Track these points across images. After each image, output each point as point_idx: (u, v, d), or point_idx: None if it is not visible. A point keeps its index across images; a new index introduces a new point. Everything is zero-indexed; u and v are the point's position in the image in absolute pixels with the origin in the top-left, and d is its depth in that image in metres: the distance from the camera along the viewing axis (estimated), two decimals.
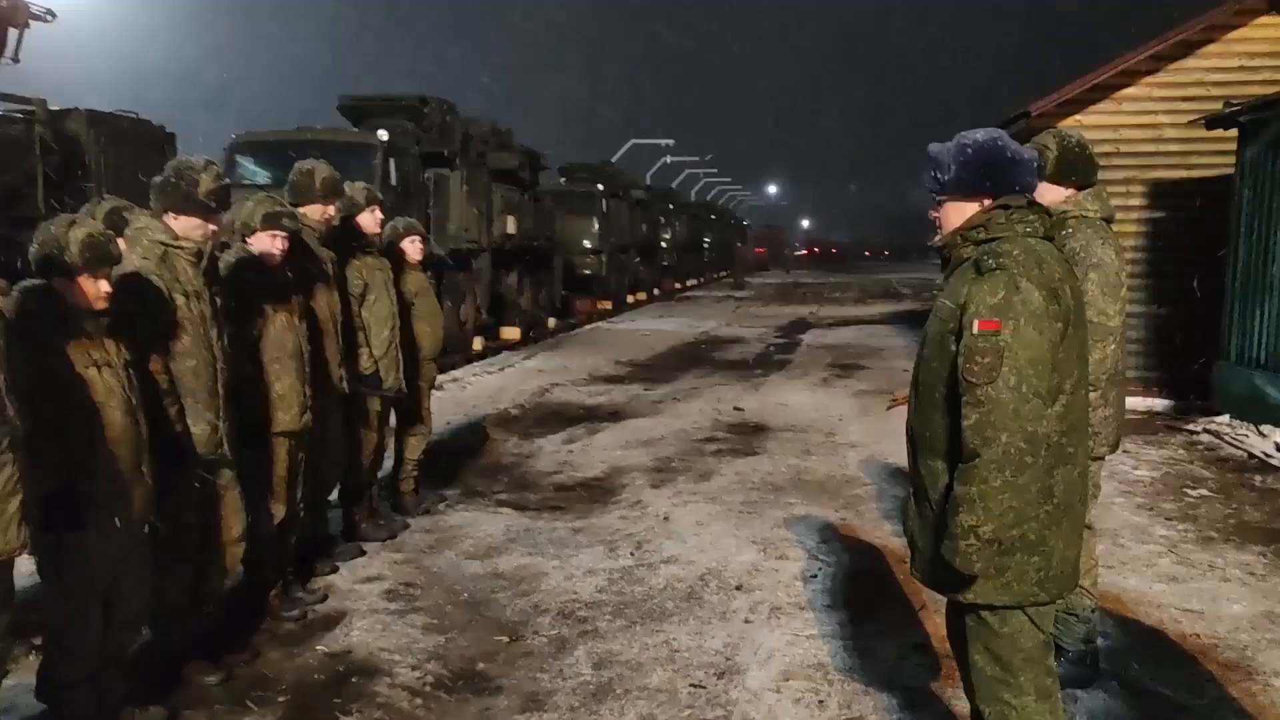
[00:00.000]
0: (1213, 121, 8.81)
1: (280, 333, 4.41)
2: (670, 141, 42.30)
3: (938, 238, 2.68)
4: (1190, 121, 9.26)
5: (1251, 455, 7.49)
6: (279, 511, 4.50)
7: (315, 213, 4.93)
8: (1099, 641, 3.89)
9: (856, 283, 40.46)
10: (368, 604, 4.73)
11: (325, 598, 4.79)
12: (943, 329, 2.52)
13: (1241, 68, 9.87)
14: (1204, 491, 6.57)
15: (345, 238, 5.45)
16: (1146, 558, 5.21)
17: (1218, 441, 8.01)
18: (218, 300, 3.88)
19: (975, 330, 2.37)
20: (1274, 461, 7.25)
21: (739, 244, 42.27)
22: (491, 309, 16.46)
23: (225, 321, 3.97)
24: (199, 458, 3.77)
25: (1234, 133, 8.86)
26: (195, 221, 3.71)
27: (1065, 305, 2.47)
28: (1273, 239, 8.22)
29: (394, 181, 12.70)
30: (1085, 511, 2.67)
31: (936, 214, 2.67)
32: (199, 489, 3.83)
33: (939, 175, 2.59)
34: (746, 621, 4.48)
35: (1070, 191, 3.70)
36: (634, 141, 39.98)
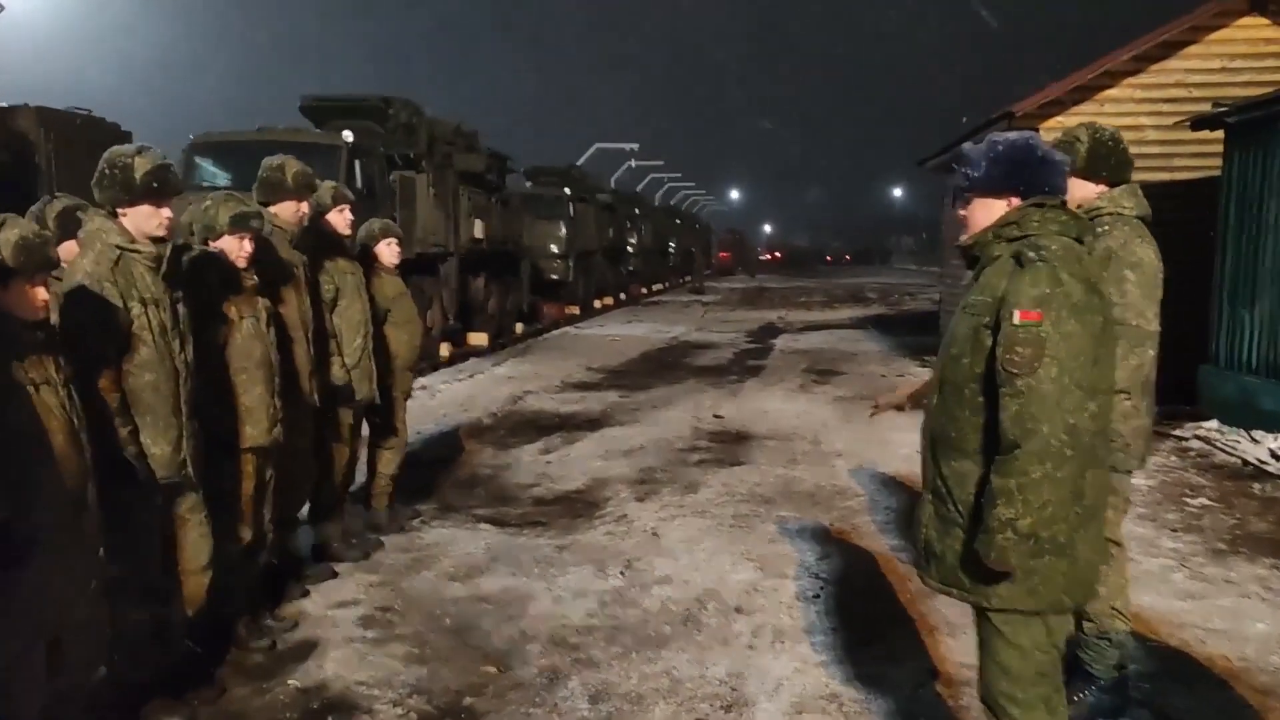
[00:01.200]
0: (1199, 122, 8.71)
1: (247, 341, 4.08)
2: (635, 146, 41.99)
3: (965, 236, 2.63)
4: (1176, 123, 9.15)
5: (1246, 462, 7.35)
6: (246, 534, 4.17)
7: (288, 211, 4.61)
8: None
9: (821, 287, 40.45)
10: (342, 632, 4.40)
11: (296, 625, 4.46)
12: (976, 324, 2.47)
13: (1223, 69, 9.82)
14: (1204, 500, 6.40)
15: (315, 239, 5.13)
16: (1159, 573, 5.00)
17: (1209, 448, 7.86)
18: (179, 307, 3.55)
19: (1016, 321, 2.35)
20: (1270, 469, 7.11)
21: (693, 249, 41.80)
22: (459, 314, 16.13)
23: (189, 330, 3.65)
24: (159, 481, 3.44)
25: (1219, 134, 8.74)
26: (146, 209, 3.37)
27: (1103, 300, 2.45)
28: (1262, 242, 8.11)
29: (359, 184, 12.31)
30: (1110, 523, 2.61)
31: (964, 212, 2.63)
32: (159, 515, 3.51)
33: (969, 173, 2.58)
34: (750, 648, 4.21)
35: (1102, 188, 3.49)
36: (599, 145, 39.71)
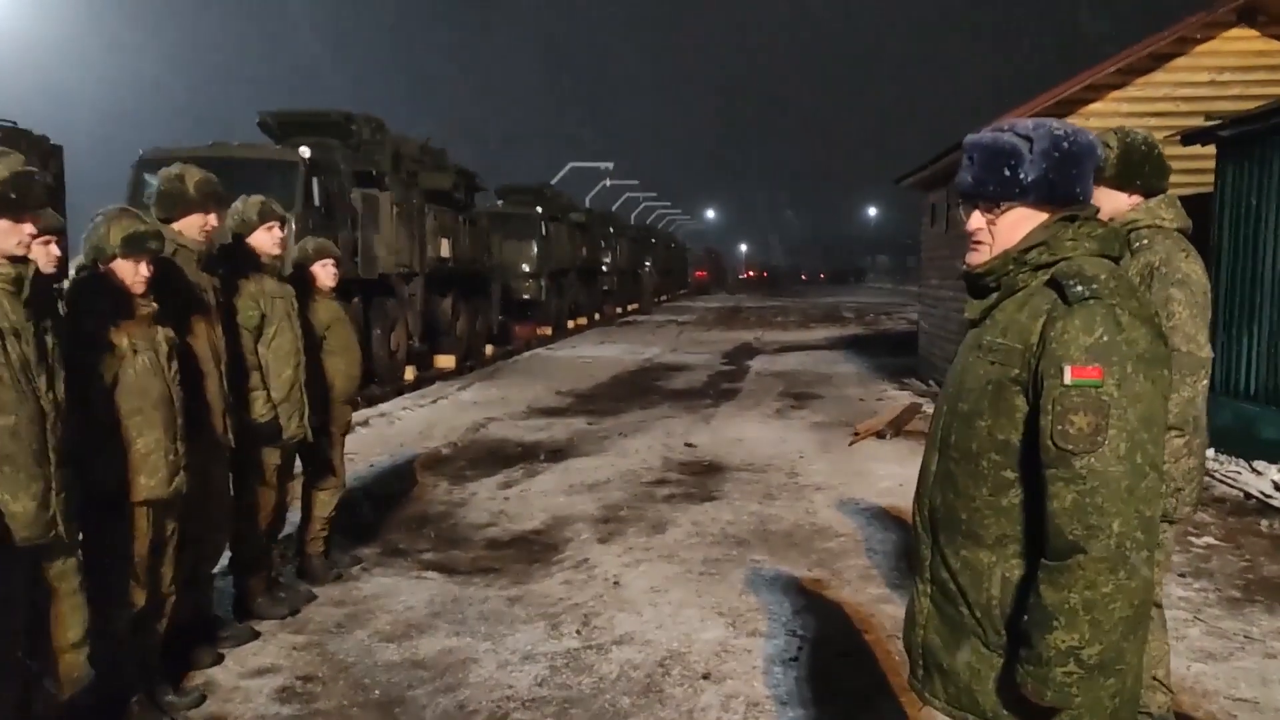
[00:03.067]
0: (1190, 137, 8.33)
1: (142, 377, 3.55)
2: (609, 165, 41.69)
3: (977, 257, 1.97)
4: (1165, 137, 8.75)
5: (1248, 495, 6.93)
6: (140, 597, 3.62)
7: (193, 226, 4.08)
8: None
9: (797, 306, 40.15)
10: (254, 707, 3.86)
11: (203, 699, 3.91)
12: (1000, 376, 1.86)
13: (1212, 82, 9.46)
14: (1210, 539, 5.96)
15: (237, 261, 4.61)
16: (1173, 627, 4.49)
17: (1209, 480, 7.43)
18: (48, 338, 3.02)
19: (1069, 380, 1.75)
20: (1275, 503, 6.69)
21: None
22: (425, 336, 15.59)
23: (65, 365, 3.12)
24: (18, 544, 2.91)
25: (1210, 149, 8.37)
26: (3, 225, 2.84)
27: (1169, 348, 1.83)
28: (1259, 260, 7.72)
29: (318, 202, 11.82)
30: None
31: (986, 224, 1.95)
32: (22, 582, 2.97)
33: (1017, 173, 1.88)
34: None
35: (1136, 199, 3.05)
36: (573, 164, 39.35)
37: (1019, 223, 1.92)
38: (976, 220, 1.97)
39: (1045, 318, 1.81)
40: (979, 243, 1.97)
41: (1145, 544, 1.72)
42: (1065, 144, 1.87)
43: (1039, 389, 1.79)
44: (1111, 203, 3.03)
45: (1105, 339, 1.74)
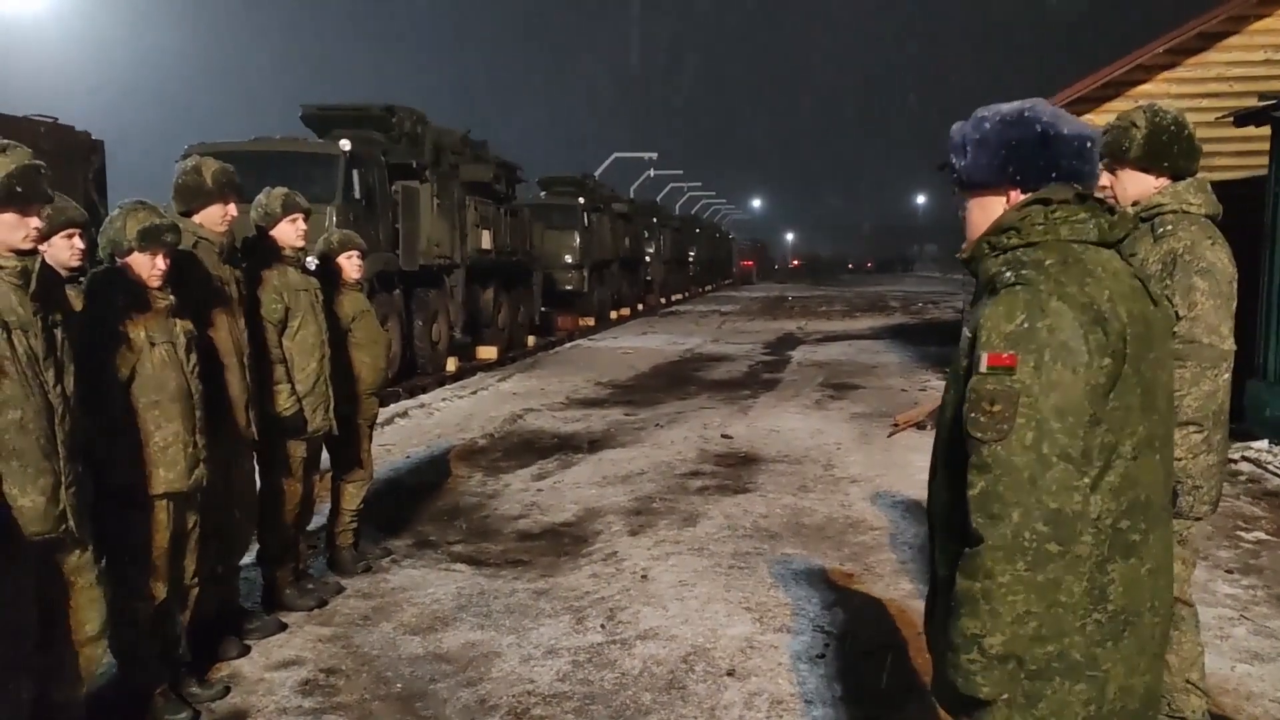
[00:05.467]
0: (1243, 118, 8.04)
1: (159, 371, 3.54)
2: (653, 155, 41.53)
3: (964, 246, 1.97)
4: (1217, 119, 8.49)
5: None
6: (160, 591, 3.63)
7: (213, 217, 4.08)
8: None
9: (841, 296, 39.77)
10: (277, 700, 3.85)
11: (226, 691, 3.92)
12: (956, 369, 1.86)
13: (1267, 60, 9.14)
14: (1260, 535, 5.76)
15: (261, 253, 4.61)
16: (1217, 626, 4.37)
17: (1261, 471, 7.20)
18: (58, 332, 3.01)
19: (984, 367, 1.74)
20: None
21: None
22: (467, 327, 15.64)
23: (80, 358, 3.12)
24: (29, 538, 2.91)
25: (1265, 130, 8.09)
26: (9, 219, 2.80)
27: (1116, 335, 1.73)
28: None
29: (358, 194, 11.89)
30: (1164, 623, 1.89)
31: (963, 214, 1.99)
32: (33, 577, 2.97)
33: (959, 161, 1.93)
34: None
35: (1163, 181, 2.92)
36: (616, 155, 39.24)
37: (978, 208, 1.94)
38: (961, 211, 1.99)
39: (982, 309, 1.79)
40: (967, 230, 1.97)
41: (1052, 537, 1.67)
42: (986, 126, 1.88)
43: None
44: (1137, 185, 2.91)
45: (1025, 326, 1.71)
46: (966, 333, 1.84)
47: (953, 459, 1.84)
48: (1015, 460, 1.68)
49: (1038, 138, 1.83)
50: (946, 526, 1.88)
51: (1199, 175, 3.03)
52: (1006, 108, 1.89)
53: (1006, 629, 1.70)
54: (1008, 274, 1.78)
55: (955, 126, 1.95)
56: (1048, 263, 1.76)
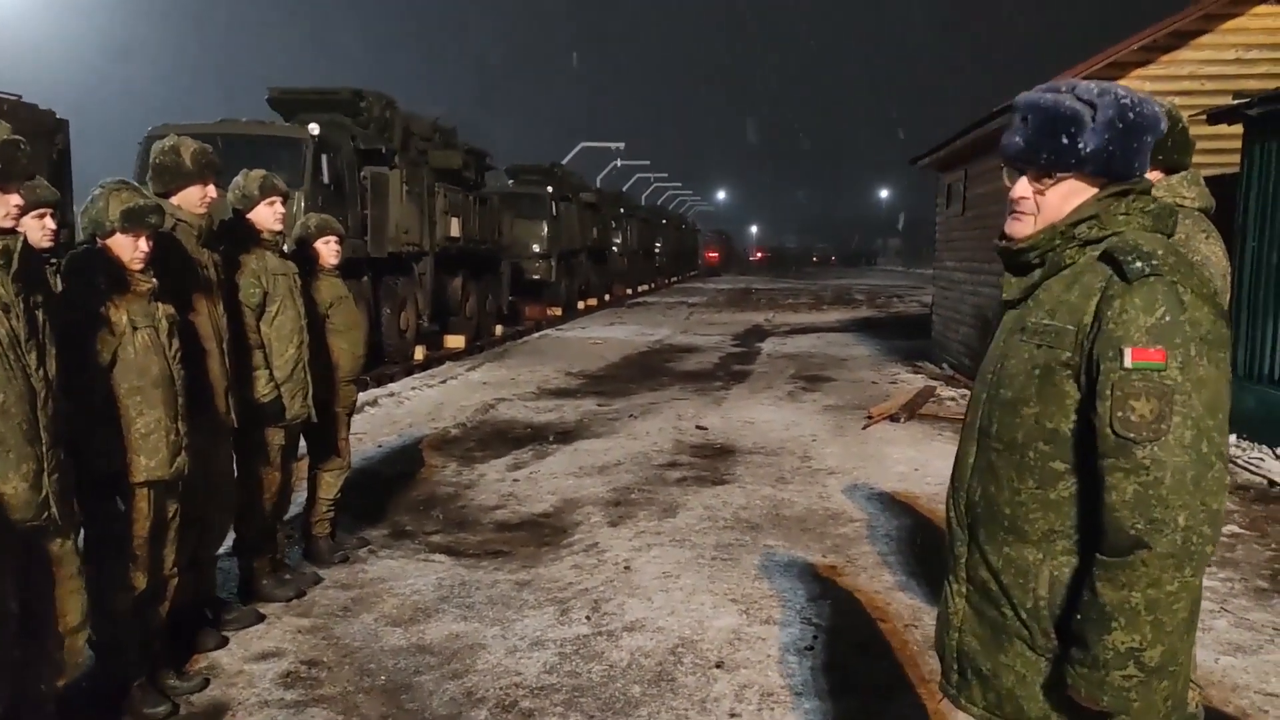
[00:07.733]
0: (1216, 115, 8.13)
1: (141, 355, 3.44)
2: (621, 145, 41.50)
3: (1020, 228, 1.82)
4: (1190, 116, 8.56)
5: (1272, 482, 6.79)
6: (140, 581, 3.53)
7: (192, 199, 3.96)
8: None
9: (808, 288, 39.93)
10: (258, 692, 3.77)
11: (206, 683, 3.83)
12: (1048, 360, 1.72)
13: (1238, 60, 9.24)
14: (1234, 528, 5.82)
15: (238, 236, 4.51)
16: (1200, 618, 4.39)
17: (1231, 466, 7.29)
18: (38, 314, 2.91)
19: (1129, 363, 1.61)
20: None
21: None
22: (435, 316, 15.50)
23: (58, 342, 3.01)
24: (13, 527, 2.81)
25: (1237, 129, 8.18)
26: None
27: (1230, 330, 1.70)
28: None
29: (326, 179, 11.71)
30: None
31: (1034, 193, 1.79)
32: (14, 566, 2.87)
33: (1076, 142, 1.71)
34: (732, 715, 3.59)
35: (1157, 174, 2.91)
36: (584, 144, 39.12)
37: (1070, 195, 1.77)
38: (1023, 188, 1.81)
39: (1100, 296, 1.67)
40: (1023, 213, 1.82)
41: (1211, 539, 1.61)
42: (1131, 114, 1.71)
43: (1093, 373, 1.66)
44: None
45: (1168, 319, 1.61)
46: (1058, 323, 1.72)
47: (1022, 451, 1.76)
48: (1177, 461, 1.59)
49: (1159, 129, 1.74)
50: (996, 521, 1.81)
51: (1192, 169, 3.02)
52: (1134, 96, 1.74)
53: (1167, 639, 1.62)
54: (1137, 263, 1.65)
55: (1068, 100, 1.74)
56: (1160, 253, 1.66)
